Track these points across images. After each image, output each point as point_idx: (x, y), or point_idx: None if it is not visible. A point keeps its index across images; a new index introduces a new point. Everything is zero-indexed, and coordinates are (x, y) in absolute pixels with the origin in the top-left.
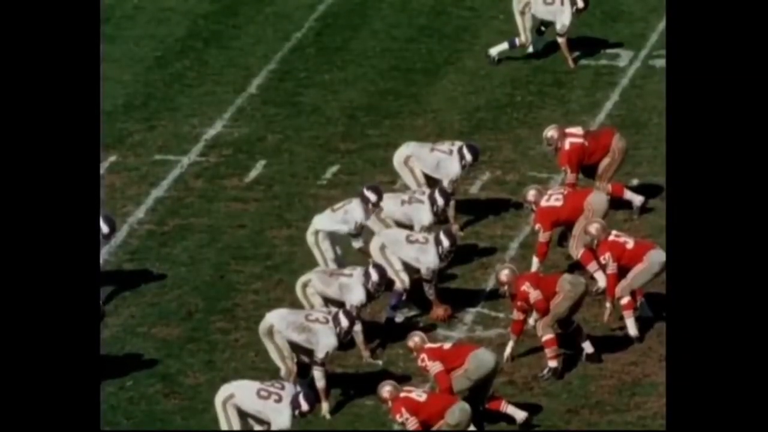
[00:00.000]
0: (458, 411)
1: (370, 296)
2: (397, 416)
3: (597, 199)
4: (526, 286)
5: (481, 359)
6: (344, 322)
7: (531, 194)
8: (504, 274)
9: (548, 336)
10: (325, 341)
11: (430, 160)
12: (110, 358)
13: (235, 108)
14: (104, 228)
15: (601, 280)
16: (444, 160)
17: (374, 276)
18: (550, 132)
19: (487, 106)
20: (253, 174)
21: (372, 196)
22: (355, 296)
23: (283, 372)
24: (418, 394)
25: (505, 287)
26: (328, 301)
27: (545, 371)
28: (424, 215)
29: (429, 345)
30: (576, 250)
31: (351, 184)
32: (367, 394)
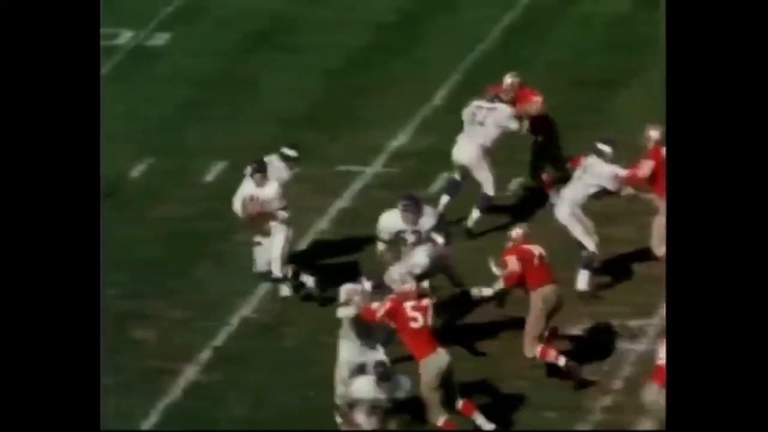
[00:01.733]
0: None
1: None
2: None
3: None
4: (510, 256)
5: (433, 363)
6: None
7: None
8: (514, 231)
9: (537, 352)
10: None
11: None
12: (295, 367)
13: (420, 119)
14: (309, 281)
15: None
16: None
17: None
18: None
19: None
20: (438, 185)
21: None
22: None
23: None
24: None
25: (510, 243)
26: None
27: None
28: None
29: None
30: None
31: (534, 195)
32: None
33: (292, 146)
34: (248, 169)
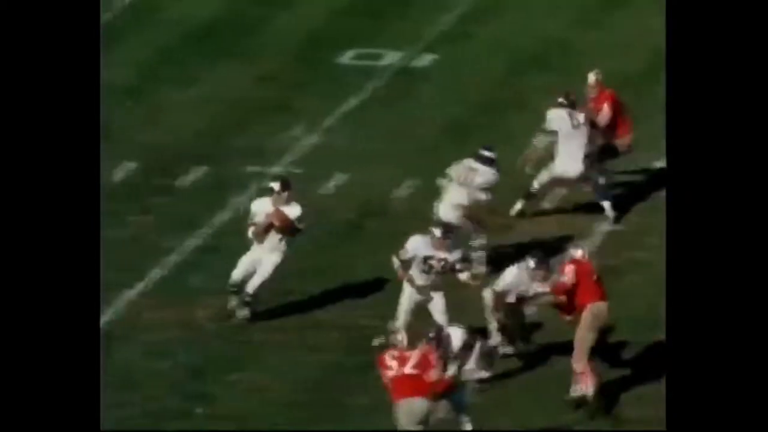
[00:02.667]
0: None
1: None
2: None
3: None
4: (568, 269)
5: (410, 408)
6: None
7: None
8: (574, 250)
9: (581, 369)
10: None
11: None
12: None
13: None
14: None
15: None
16: None
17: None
18: None
19: None
20: None
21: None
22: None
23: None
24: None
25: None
26: None
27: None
28: None
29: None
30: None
31: None
32: None
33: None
34: (276, 186)
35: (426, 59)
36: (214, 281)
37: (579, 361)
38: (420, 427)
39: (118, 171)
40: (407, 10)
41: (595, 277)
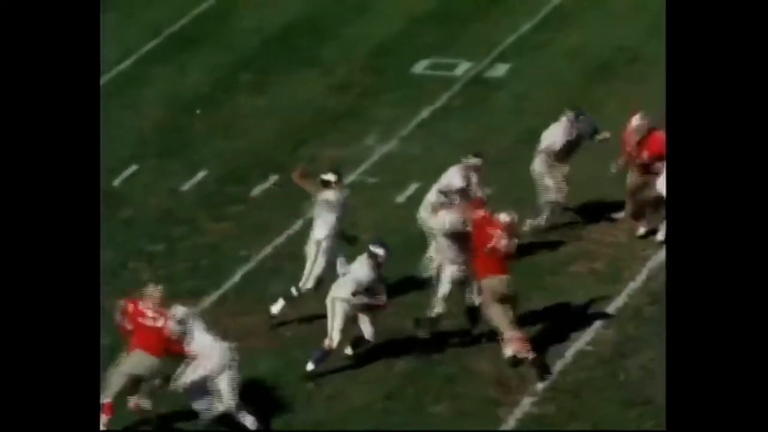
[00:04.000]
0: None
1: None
2: None
3: None
4: (476, 222)
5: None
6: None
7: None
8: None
9: (508, 336)
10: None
11: None
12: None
13: None
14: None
15: None
16: None
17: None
18: None
19: None
20: None
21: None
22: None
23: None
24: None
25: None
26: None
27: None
28: None
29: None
30: None
31: None
32: None
33: None
34: (333, 177)
35: (500, 69)
36: (291, 287)
37: (504, 331)
38: (131, 378)
39: (193, 179)
40: (481, 18)
41: (493, 250)
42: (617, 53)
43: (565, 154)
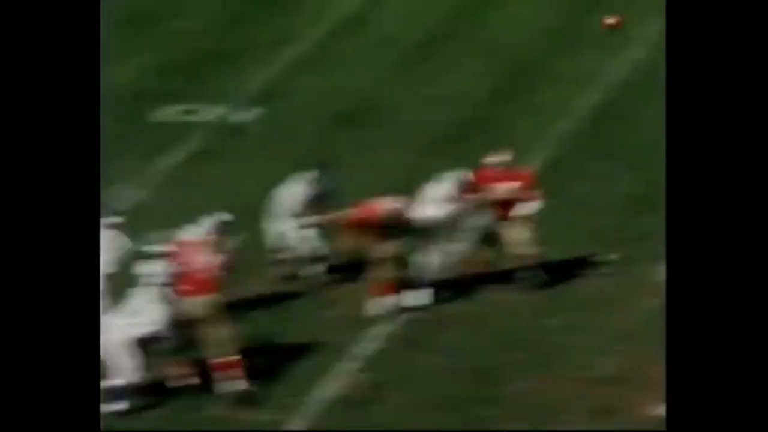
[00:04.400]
0: None
1: None
2: None
3: None
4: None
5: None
6: None
7: None
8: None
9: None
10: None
11: None
12: None
13: None
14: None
15: None
16: None
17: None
18: None
19: None
20: None
21: None
22: None
23: None
24: None
25: None
26: None
27: None
28: None
29: None
30: None
31: None
32: None
33: None
34: None
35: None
36: None
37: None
38: None
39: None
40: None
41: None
42: (359, 101)
43: (309, 209)
